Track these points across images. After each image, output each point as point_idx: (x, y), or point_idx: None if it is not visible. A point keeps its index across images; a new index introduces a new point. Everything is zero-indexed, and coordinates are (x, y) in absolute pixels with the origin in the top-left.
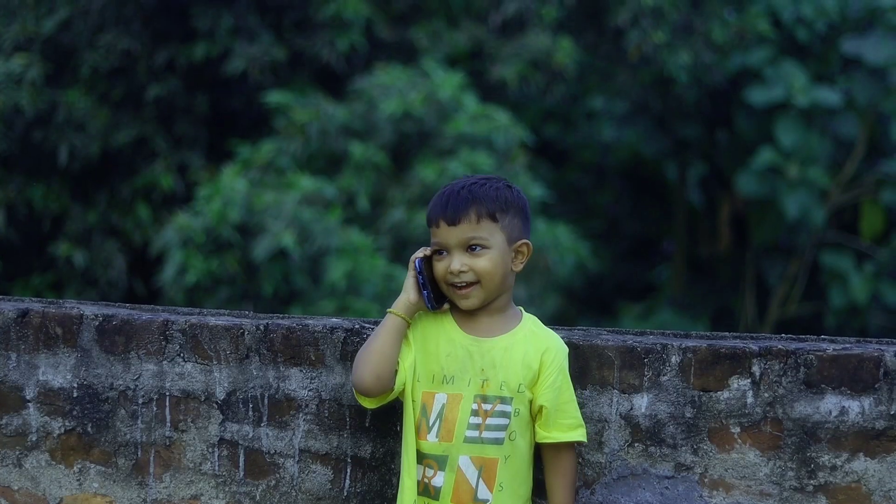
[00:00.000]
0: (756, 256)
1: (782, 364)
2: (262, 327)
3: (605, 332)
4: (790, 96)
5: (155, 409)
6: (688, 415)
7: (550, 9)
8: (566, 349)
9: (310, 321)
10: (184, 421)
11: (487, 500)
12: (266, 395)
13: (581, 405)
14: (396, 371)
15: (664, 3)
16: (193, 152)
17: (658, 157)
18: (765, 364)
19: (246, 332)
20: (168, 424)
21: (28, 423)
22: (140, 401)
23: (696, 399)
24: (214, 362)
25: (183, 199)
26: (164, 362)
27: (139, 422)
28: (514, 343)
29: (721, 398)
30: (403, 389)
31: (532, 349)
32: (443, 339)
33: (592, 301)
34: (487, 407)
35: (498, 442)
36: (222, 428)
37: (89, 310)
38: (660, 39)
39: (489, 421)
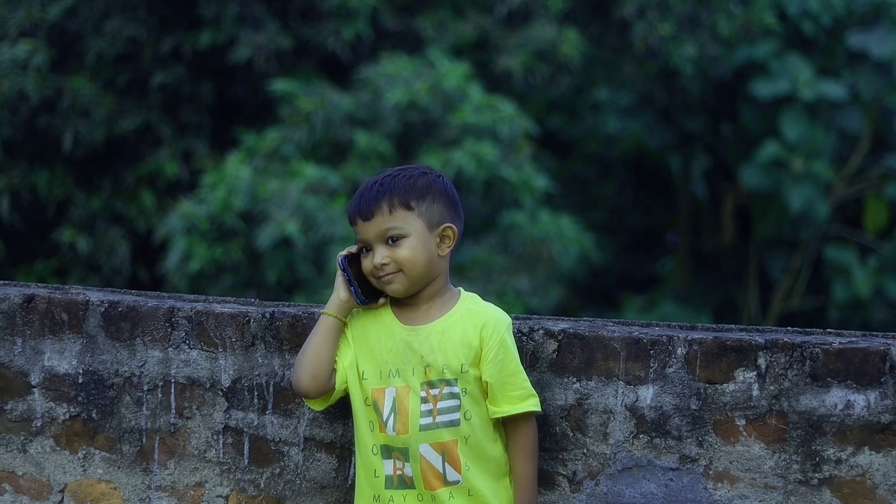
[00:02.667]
0: (760, 250)
1: (788, 357)
2: (267, 315)
3: (611, 324)
4: (795, 89)
5: (160, 395)
6: (693, 407)
7: (556, 0)
8: (508, 321)
9: (315, 309)
10: (189, 408)
11: (458, 481)
12: (271, 382)
13: (586, 396)
14: (335, 371)
15: None
16: (198, 140)
17: (662, 149)
18: (771, 357)
19: (251, 320)
20: (173, 411)
21: (33, 409)
22: (145, 387)
23: (702, 391)
24: (220, 349)
25: (187, 187)
26: (170, 349)
27: (144, 408)
28: (450, 325)
29: (727, 390)
30: (348, 389)
31: (469, 327)
32: (384, 333)
33: (595, 293)
34: (435, 392)
35: (454, 424)
36: (227, 415)
37: (95, 296)
38: (665, 32)
39: (440, 405)
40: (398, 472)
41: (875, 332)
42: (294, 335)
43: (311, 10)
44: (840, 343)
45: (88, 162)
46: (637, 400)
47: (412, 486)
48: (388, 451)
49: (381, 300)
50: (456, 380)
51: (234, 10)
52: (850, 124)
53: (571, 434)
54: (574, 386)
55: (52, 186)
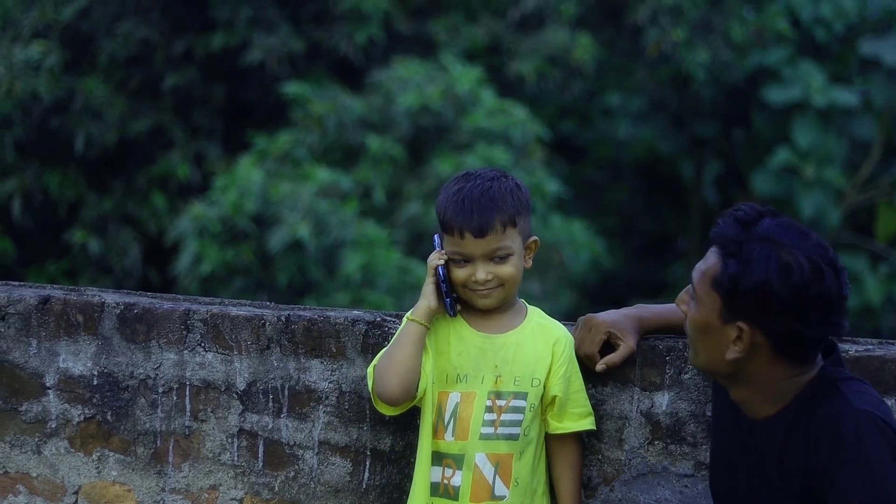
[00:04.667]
0: None
1: None
2: (283, 318)
3: None
4: (807, 96)
5: (175, 398)
6: (708, 414)
7: (569, 5)
8: (573, 339)
9: (331, 313)
10: (203, 411)
11: (504, 497)
12: (286, 386)
13: (602, 402)
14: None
15: (683, 1)
16: (210, 142)
17: (674, 154)
18: None
19: (267, 323)
20: (188, 414)
21: (48, 410)
22: (160, 390)
23: None
24: (235, 352)
25: (199, 189)
26: (185, 352)
27: (159, 411)
28: (524, 337)
29: None
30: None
31: (542, 342)
32: (453, 337)
33: (606, 297)
34: (501, 403)
35: (513, 438)
36: (242, 418)
37: (111, 298)
38: (678, 37)
39: (504, 417)
40: (445, 482)
41: (891, 341)
42: (309, 338)
43: (323, 14)
44: (856, 351)
45: (100, 163)
46: (652, 406)
47: (455, 498)
48: (438, 458)
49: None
50: (526, 393)
51: (247, 13)
52: (862, 131)
53: (587, 440)
54: (590, 391)
55: (64, 187)
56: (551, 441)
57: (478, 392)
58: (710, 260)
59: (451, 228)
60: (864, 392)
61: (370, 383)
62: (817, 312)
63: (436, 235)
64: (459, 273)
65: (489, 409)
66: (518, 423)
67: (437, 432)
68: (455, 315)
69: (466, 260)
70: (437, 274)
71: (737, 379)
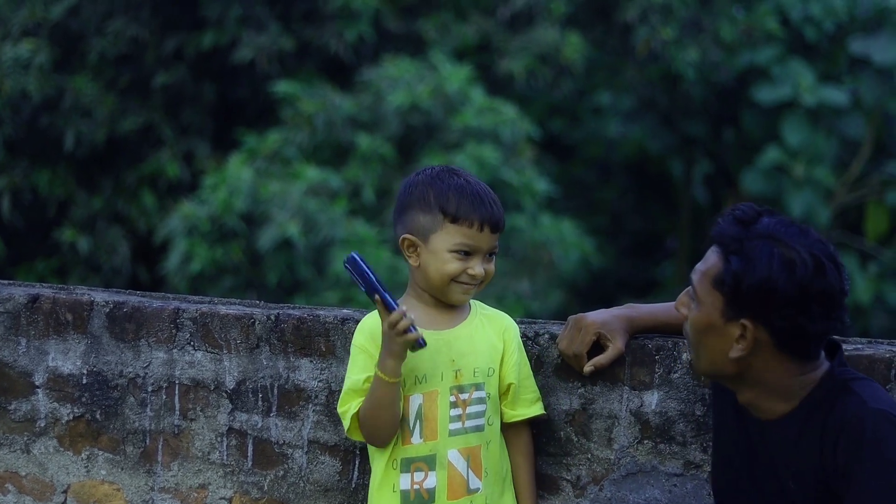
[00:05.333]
0: None
1: None
2: (272, 317)
3: None
4: (797, 95)
5: (164, 397)
6: (698, 413)
7: (559, 3)
8: (517, 326)
9: (321, 312)
10: (193, 409)
11: (479, 489)
12: (276, 384)
13: (591, 401)
14: None
15: (673, 0)
16: (200, 140)
17: (664, 153)
18: None
19: (257, 322)
20: (177, 413)
21: (37, 409)
22: (149, 388)
23: (707, 397)
24: (224, 351)
25: (188, 188)
26: (174, 350)
27: (148, 410)
28: (474, 328)
29: None
30: None
31: (492, 331)
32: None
33: (596, 297)
34: (465, 396)
35: (479, 429)
36: (231, 417)
37: (100, 296)
38: (668, 36)
39: (469, 410)
40: (416, 487)
41: (880, 340)
42: (299, 337)
43: (313, 12)
44: (846, 350)
45: (90, 162)
46: (642, 405)
47: (430, 501)
48: (407, 465)
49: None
50: (484, 383)
51: (237, 12)
52: (852, 130)
53: (576, 439)
54: (579, 391)
55: (54, 186)
56: (505, 429)
57: (439, 389)
58: (711, 260)
59: (470, 220)
60: (876, 391)
61: (346, 424)
62: (820, 307)
63: (388, 296)
64: (454, 266)
65: (454, 405)
66: (482, 414)
67: (403, 439)
68: (425, 344)
69: (468, 253)
70: (410, 331)
71: (742, 380)
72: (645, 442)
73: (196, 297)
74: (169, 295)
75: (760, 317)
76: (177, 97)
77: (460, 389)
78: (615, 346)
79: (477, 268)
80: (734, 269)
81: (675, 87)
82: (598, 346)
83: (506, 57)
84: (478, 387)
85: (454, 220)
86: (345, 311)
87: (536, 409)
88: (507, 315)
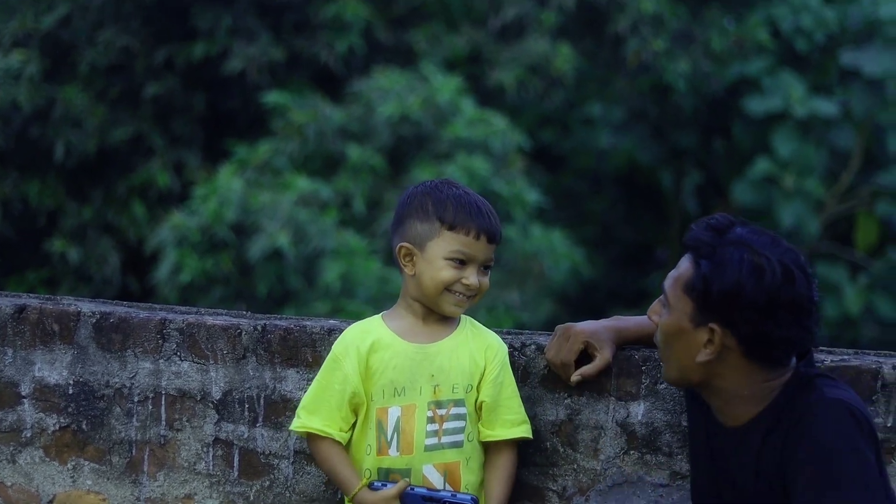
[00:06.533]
0: None
1: None
2: (259, 328)
3: None
4: (788, 106)
5: (150, 407)
6: (684, 423)
7: (550, 14)
8: (506, 347)
9: (307, 322)
10: (179, 420)
11: None
12: (262, 395)
13: (577, 411)
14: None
15: (664, 11)
16: (190, 151)
17: (654, 164)
18: None
19: (243, 332)
20: (163, 423)
21: (23, 419)
22: (136, 399)
23: None
24: (211, 362)
25: (179, 198)
26: (161, 361)
27: (134, 420)
28: (458, 344)
29: None
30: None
31: (476, 348)
32: (386, 353)
33: (585, 307)
34: (442, 412)
35: (457, 445)
36: (217, 427)
37: (87, 307)
38: (659, 47)
39: (446, 426)
40: (447, 491)
41: (867, 350)
42: (285, 348)
43: (304, 23)
44: (832, 361)
45: (80, 172)
46: (628, 416)
47: None
48: (385, 475)
49: (378, 318)
50: (463, 400)
51: (228, 22)
52: (842, 142)
53: (562, 449)
54: (565, 401)
55: (44, 196)
56: (487, 447)
57: (417, 404)
58: (683, 266)
59: (467, 228)
60: (838, 385)
61: (295, 429)
62: (788, 315)
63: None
64: (449, 274)
65: (431, 420)
66: (461, 430)
67: (380, 449)
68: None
69: (463, 262)
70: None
71: (710, 385)
72: (631, 452)
73: (183, 308)
74: (156, 305)
75: (728, 322)
76: (167, 107)
77: (438, 405)
78: (602, 357)
79: (472, 278)
80: (704, 273)
81: (666, 98)
82: (585, 357)
83: (496, 68)
84: (457, 403)
85: (451, 227)
86: (331, 321)
87: (518, 432)
88: (496, 335)
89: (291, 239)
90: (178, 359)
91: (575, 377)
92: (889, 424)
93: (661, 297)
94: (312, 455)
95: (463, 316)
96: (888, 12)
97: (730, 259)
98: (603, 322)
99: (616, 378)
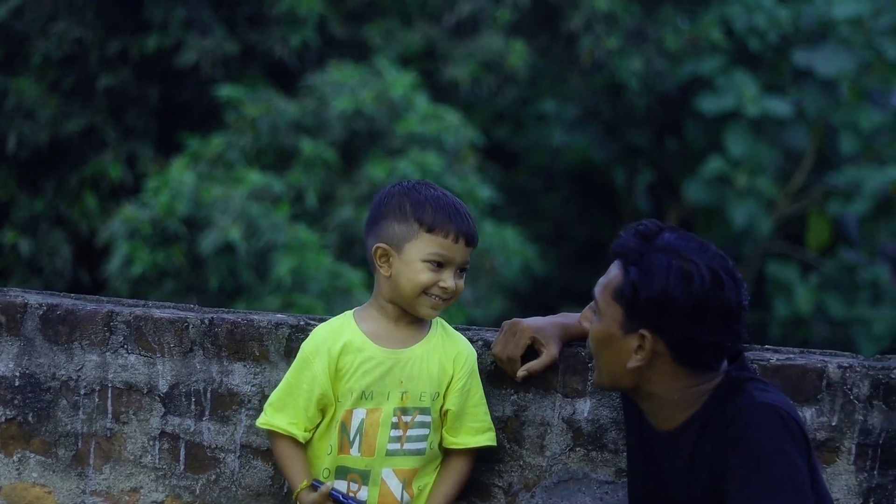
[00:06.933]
0: None
1: None
2: (206, 321)
3: None
4: (741, 106)
5: (97, 400)
6: None
7: (504, 11)
8: (475, 353)
9: (255, 316)
10: (125, 413)
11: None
12: (209, 389)
13: (524, 408)
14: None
15: (618, 9)
16: (143, 143)
17: (607, 162)
18: None
19: (190, 326)
20: (109, 416)
21: None
22: (82, 391)
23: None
24: (158, 355)
25: (131, 191)
26: (108, 353)
27: (80, 412)
28: (428, 351)
29: None
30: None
31: (445, 355)
32: (357, 357)
33: (538, 304)
34: (407, 419)
35: (419, 452)
36: (164, 421)
37: (33, 298)
38: (612, 45)
39: (410, 433)
40: (350, 495)
41: (813, 350)
42: (232, 341)
43: (258, 16)
44: (778, 359)
45: (32, 163)
46: (574, 413)
47: None
48: (343, 472)
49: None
50: (429, 408)
51: (182, 15)
52: (795, 141)
53: (508, 446)
54: (512, 398)
55: None
56: (445, 452)
57: (383, 409)
58: (612, 272)
59: (445, 231)
60: (768, 388)
61: (261, 425)
62: (716, 320)
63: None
64: (426, 276)
65: (395, 426)
66: (424, 438)
67: (342, 448)
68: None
69: (441, 265)
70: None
71: (641, 390)
72: (577, 449)
73: (130, 301)
74: (103, 298)
75: (658, 328)
76: (120, 100)
77: (404, 412)
78: (549, 353)
79: (449, 280)
80: (633, 280)
81: (619, 96)
82: (532, 353)
83: (450, 64)
84: (422, 411)
85: (430, 229)
86: (279, 315)
87: (483, 440)
88: (466, 342)
89: (243, 233)
90: (125, 351)
91: (521, 373)
92: (834, 423)
93: (592, 303)
94: (271, 449)
95: (436, 319)
96: (841, 12)
97: (658, 265)
98: (550, 318)
99: (562, 375)
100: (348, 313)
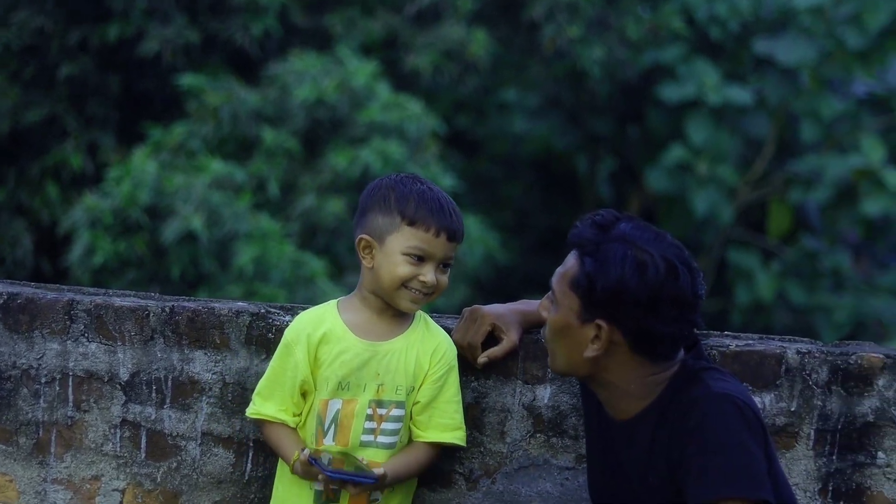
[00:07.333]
0: None
1: None
2: (167, 309)
3: None
4: (702, 94)
5: (58, 388)
6: None
7: (466, 0)
8: (455, 349)
9: (215, 304)
10: (86, 401)
11: (377, 500)
12: (170, 377)
13: (484, 395)
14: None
15: None
16: (104, 133)
17: (569, 150)
18: None
19: (151, 314)
20: (70, 404)
21: None
22: (43, 380)
23: None
24: (119, 343)
25: (93, 180)
26: (69, 342)
27: (41, 401)
28: (408, 344)
29: None
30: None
31: (423, 349)
32: (336, 347)
33: (500, 292)
34: (382, 412)
35: (391, 446)
36: (125, 409)
37: None
38: (574, 34)
39: (384, 426)
40: (332, 487)
41: (772, 336)
42: (193, 329)
43: (219, 5)
44: (737, 345)
45: None
46: (534, 399)
47: (335, 501)
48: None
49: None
50: (405, 402)
51: (143, 4)
52: (756, 129)
53: (469, 433)
54: (472, 384)
55: None
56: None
57: (359, 400)
58: (569, 262)
59: (427, 225)
60: (724, 377)
61: (251, 415)
62: (671, 310)
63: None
64: (406, 269)
65: (370, 418)
66: (397, 432)
67: (316, 438)
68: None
69: (421, 258)
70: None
71: (598, 380)
72: (537, 436)
73: (91, 289)
74: (63, 287)
75: (614, 318)
76: (82, 89)
77: (379, 404)
78: (509, 339)
79: (429, 275)
80: (588, 270)
81: (581, 84)
82: (492, 339)
83: (412, 53)
84: (398, 404)
85: (411, 223)
86: (240, 303)
87: (450, 437)
88: (447, 337)
89: (205, 222)
90: (85, 340)
91: (482, 359)
92: (793, 409)
93: (550, 293)
94: (264, 439)
95: (419, 312)
96: (802, 1)
97: (613, 256)
98: (510, 305)
99: (523, 361)
100: (332, 302)
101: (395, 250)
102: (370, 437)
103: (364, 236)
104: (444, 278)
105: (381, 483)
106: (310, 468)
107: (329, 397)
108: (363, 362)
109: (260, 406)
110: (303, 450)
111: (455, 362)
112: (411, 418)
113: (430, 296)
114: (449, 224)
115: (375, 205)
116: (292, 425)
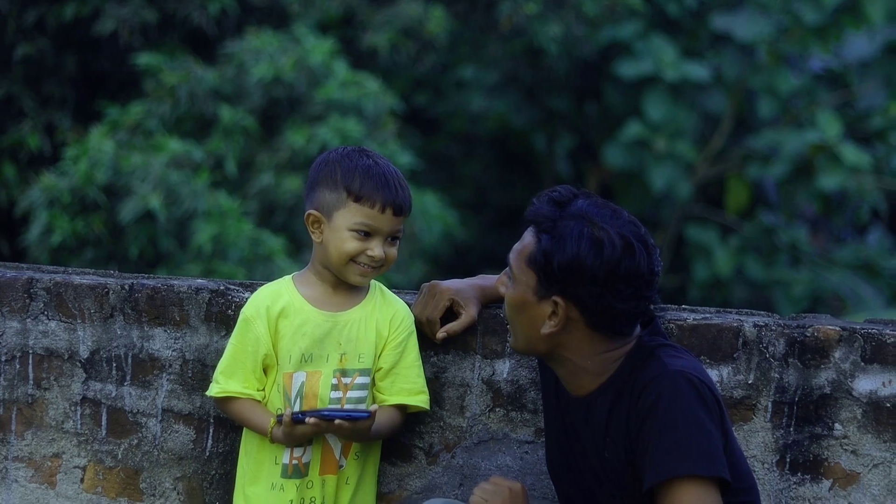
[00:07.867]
0: None
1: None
2: (127, 287)
3: None
4: (659, 70)
5: (18, 366)
6: None
7: None
8: (412, 316)
9: (175, 282)
10: (46, 379)
11: (343, 467)
12: (130, 354)
13: (443, 369)
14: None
15: None
16: (61, 112)
17: (527, 127)
18: None
19: (111, 292)
20: (31, 382)
21: None
22: (3, 358)
23: None
24: (78, 321)
25: (50, 160)
26: (28, 320)
27: (1, 379)
28: (366, 314)
29: None
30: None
31: (381, 317)
32: (296, 319)
33: (459, 269)
34: (347, 381)
35: None
36: (85, 386)
37: None
38: (531, 11)
39: (350, 395)
40: (294, 462)
41: (729, 309)
42: (153, 307)
43: None
44: (694, 319)
45: None
46: (493, 374)
47: (305, 474)
48: None
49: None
50: (368, 370)
51: None
52: (713, 105)
53: (428, 407)
54: (431, 359)
55: None
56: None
57: (323, 371)
58: (526, 239)
59: (372, 200)
60: (680, 354)
61: (212, 395)
62: (627, 287)
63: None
64: (353, 245)
65: (335, 388)
66: (363, 400)
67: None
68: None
69: (368, 234)
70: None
71: (556, 356)
72: (497, 410)
73: (50, 267)
74: (23, 265)
75: (571, 294)
76: (38, 69)
77: (343, 373)
78: (468, 314)
79: (376, 249)
80: (545, 247)
81: (539, 61)
82: (451, 314)
83: (369, 31)
84: (362, 373)
85: (357, 199)
86: (199, 280)
87: (414, 401)
88: (403, 305)
89: (163, 201)
90: (45, 318)
91: (440, 334)
92: (750, 381)
93: (507, 269)
94: (230, 417)
95: (374, 282)
96: None
97: (570, 233)
98: (468, 280)
99: (482, 336)
100: (287, 277)
101: (342, 226)
102: (337, 407)
103: (312, 212)
104: (393, 251)
105: (372, 418)
106: (293, 428)
107: (293, 370)
108: (325, 333)
109: (224, 384)
110: (279, 415)
111: (413, 328)
112: (374, 385)
113: (379, 269)
114: (395, 199)
115: (323, 180)
116: (258, 399)
